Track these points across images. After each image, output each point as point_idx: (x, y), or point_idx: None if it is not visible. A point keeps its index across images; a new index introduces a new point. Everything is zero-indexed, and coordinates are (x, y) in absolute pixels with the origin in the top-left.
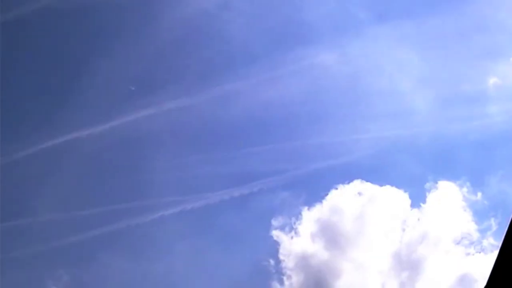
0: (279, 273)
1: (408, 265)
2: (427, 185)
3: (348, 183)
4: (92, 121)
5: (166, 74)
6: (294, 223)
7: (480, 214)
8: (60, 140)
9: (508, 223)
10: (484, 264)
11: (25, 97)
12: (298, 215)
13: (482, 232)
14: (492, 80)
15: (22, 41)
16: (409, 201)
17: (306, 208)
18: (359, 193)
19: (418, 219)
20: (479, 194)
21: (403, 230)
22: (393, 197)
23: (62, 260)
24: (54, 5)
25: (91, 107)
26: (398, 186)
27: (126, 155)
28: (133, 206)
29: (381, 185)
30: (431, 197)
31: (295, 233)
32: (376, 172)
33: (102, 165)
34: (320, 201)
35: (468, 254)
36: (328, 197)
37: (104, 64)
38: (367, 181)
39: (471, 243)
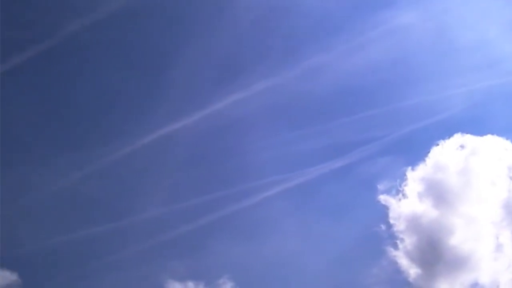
0: (392, 237)
1: None
2: None
3: (449, 137)
4: (184, 111)
5: (251, 55)
6: (400, 185)
7: None
8: (156, 135)
9: None
10: None
11: (116, 96)
12: (402, 177)
13: None
14: None
15: (106, 42)
16: None
17: (409, 168)
18: (461, 146)
19: None
20: None
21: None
22: (496, 146)
23: (174, 252)
24: (129, 4)
25: (181, 98)
26: (499, 135)
27: (222, 141)
28: (236, 190)
29: (482, 136)
30: None
31: (402, 195)
32: (475, 123)
33: (201, 154)
34: (423, 160)
35: None
36: (430, 155)
37: (187, 54)
38: (467, 133)
39: None
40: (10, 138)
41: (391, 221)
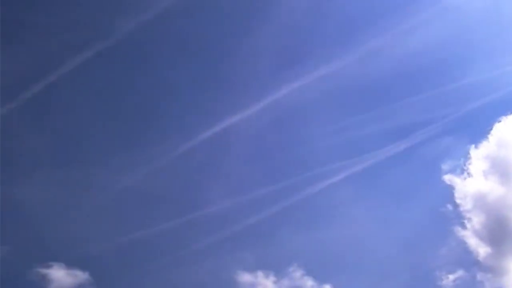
0: (459, 217)
1: None
2: None
3: (510, 113)
4: (244, 103)
5: (307, 42)
6: (464, 164)
7: None
8: (218, 128)
9: None
10: None
11: (175, 92)
12: (466, 156)
13: None
14: None
15: (162, 39)
16: None
17: (472, 147)
18: None
19: None
20: None
21: None
22: None
23: (243, 243)
24: None
25: (240, 90)
26: None
27: (283, 130)
28: (300, 179)
29: None
30: None
31: (467, 173)
32: None
33: (263, 145)
34: (486, 137)
35: None
36: (493, 132)
37: (243, 45)
38: None
39: None
40: (72, 139)
41: (458, 201)
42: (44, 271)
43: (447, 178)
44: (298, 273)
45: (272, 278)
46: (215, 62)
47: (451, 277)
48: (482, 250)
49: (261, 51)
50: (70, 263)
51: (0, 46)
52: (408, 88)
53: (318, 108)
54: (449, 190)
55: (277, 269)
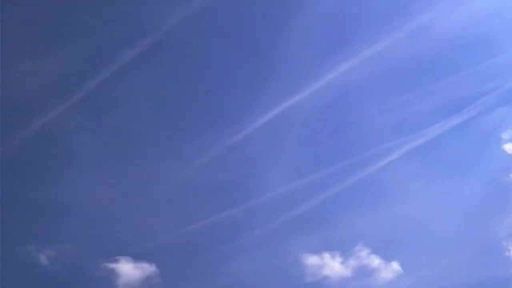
0: None
1: None
2: None
3: None
4: (296, 87)
5: (355, 22)
6: None
7: None
8: (272, 114)
9: None
10: None
11: (228, 81)
12: None
13: None
14: None
15: (210, 28)
16: None
17: None
18: None
19: None
20: None
21: None
22: None
23: (306, 226)
24: None
25: (291, 75)
26: None
27: (338, 112)
28: (359, 159)
29: None
30: None
31: None
32: None
33: (318, 127)
34: None
35: None
36: None
37: (291, 29)
38: None
39: None
40: (129, 134)
41: None
42: (111, 265)
43: (507, 147)
44: (364, 252)
45: (338, 258)
46: (263, 49)
47: None
48: None
49: (308, 35)
50: (136, 256)
51: (50, 48)
52: (459, 61)
53: (371, 87)
54: (510, 159)
55: (343, 250)
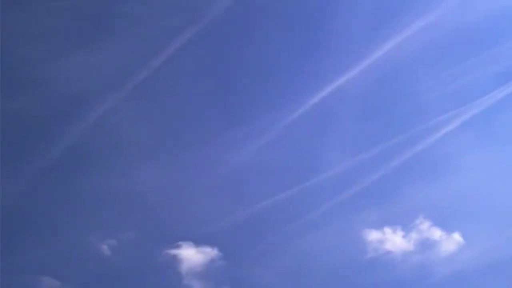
0: None
1: None
2: None
3: None
4: (348, 63)
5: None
6: None
7: None
8: (325, 91)
9: None
10: None
11: (278, 61)
12: None
13: None
14: None
15: (257, 11)
16: None
17: None
18: None
19: None
20: None
21: None
22: None
23: (366, 202)
24: None
25: (343, 51)
26: None
27: (392, 85)
28: (415, 132)
29: None
30: None
31: None
32: None
33: (373, 102)
34: None
35: None
36: None
37: (339, 6)
38: None
39: None
40: (183, 121)
41: None
42: (173, 251)
43: None
44: (425, 225)
45: (399, 232)
46: (313, 27)
47: None
48: None
49: (357, 10)
50: (198, 241)
51: (101, 40)
52: (504, 32)
53: (423, 59)
54: None
55: (404, 223)
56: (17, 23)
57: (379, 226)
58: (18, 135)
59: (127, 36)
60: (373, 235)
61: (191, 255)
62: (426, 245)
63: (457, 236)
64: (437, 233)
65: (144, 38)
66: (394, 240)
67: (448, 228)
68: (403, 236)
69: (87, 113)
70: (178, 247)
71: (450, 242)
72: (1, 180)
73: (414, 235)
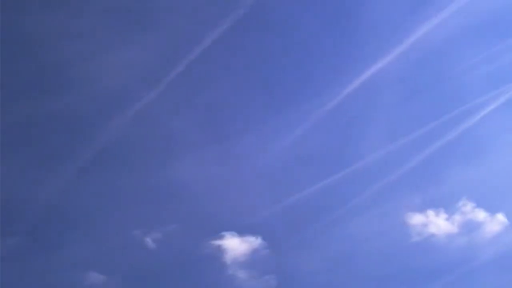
0: None
1: None
2: None
3: None
4: (386, 47)
5: None
6: None
7: None
8: (364, 76)
9: None
10: None
11: (317, 46)
12: None
13: None
14: None
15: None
16: None
17: None
18: None
19: None
20: None
21: None
22: None
23: (408, 185)
24: None
25: (380, 35)
26: None
27: (431, 67)
28: (456, 113)
29: None
30: None
31: None
32: None
33: (413, 85)
34: None
35: None
36: None
37: None
38: None
39: None
40: (221, 112)
41: None
42: (217, 242)
43: None
44: (468, 207)
45: (443, 215)
46: (349, 12)
47: None
48: None
49: None
50: (241, 231)
51: (137, 35)
52: None
53: (461, 40)
54: None
55: (447, 206)
56: (56, 22)
57: (422, 209)
58: (59, 134)
59: (163, 30)
60: (416, 219)
61: (235, 245)
62: (470, 227)
63: (501, 217)
64: (480, 215)
65: (180, 31)
66: (437, 223)
67: (491, 209)
68: (447, 219)
69: (127, 109)
70: (221, 237)
71: (494, 223)
72: (45, 178)
73: (457, 218)
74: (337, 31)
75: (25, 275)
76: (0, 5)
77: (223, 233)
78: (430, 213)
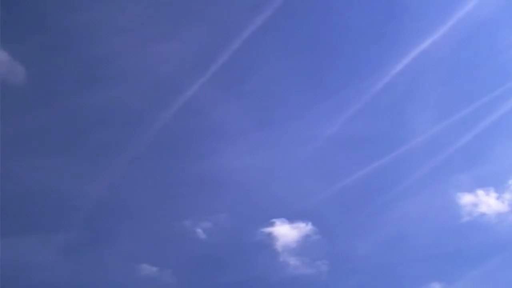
0: None
1: None
2: None
3: None
4: (430, 27)
5: None
6: None
7: None
8: (410, 57)
9: None
10: None
11: (361, 32)
12: None
13: None
14: None
15: None
16: None
17: None
18: None
19: None
20: None
21: None
22: None
23: (458, 165)
24: None
25: (424, 14)
26: None
27: (477, 45)
28: (504, 90)
29: None
30: None
31: None
32: None
33: (459, 63)
34: None
35: None
36: None
37: None
38: None
39: None
40: (269, 98)
41: None
42: (268, 230)
43: None
44: None
45: (493, 194)
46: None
47: None
48: None
49: None
50: (291, 217)
51: (181, 27)
52: None
53: (506, 17)
54: None
55: (497, 185)
56: (104, 16)
57: (472, 189)
58: (109, 127)
59: (206, 20)
60: (466, 199)
61: (285, 232)
62: None
63: None
64: None
65: (223, 19)
66: (487, 202)
67: None
68: (497, 198)
69: (174, 99)
70: (272, 224)
71: None
72: (96, 172)
73: (507, 196)
74: (381, 13)
75: (79, 270)
76: (49, 2)
77: (273, 220)
78: (480, 192)
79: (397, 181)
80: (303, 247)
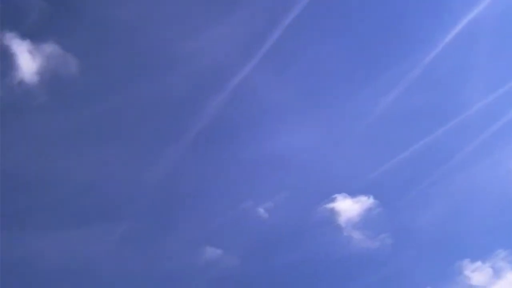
0: None
1: None
2: None
3: None
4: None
5: None
6: None
7: None
8: (459, 28)
9: None
10: None
11: (407, 7)
12: None
13: None
14: None
15: None
16: None
17: None
18: None
19: None
20: None
21: None
22: None
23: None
24: None
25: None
26: None
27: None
28: None
29: None
30: None
31: None
32: None
33: (507, 34)
34: None
35: None
36: None
37: None
38: None
39: None
40: (316, 78)
41: None
42: (329, 205)
43: None
44: None
45: None
46: None
47: None
48: None
49: None
50: (352, 192)
51: (230, 11)
52: None
53: None
54: None
55: None
56: (153, 6)
57: None
58: (164, 114)
59: (253, 3)
60: None
61: (348, 207)
62: None
63: None
64: None
65: (273, 1)
66: None
67: None
68: None
69: (226, 83)
70: (334, 200)
71: None
72: (153, 160)
73: None
74: None
75: (141, 259)
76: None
77: (334, 195)
78: None
79: (454, 152)
80: (366, 221)
